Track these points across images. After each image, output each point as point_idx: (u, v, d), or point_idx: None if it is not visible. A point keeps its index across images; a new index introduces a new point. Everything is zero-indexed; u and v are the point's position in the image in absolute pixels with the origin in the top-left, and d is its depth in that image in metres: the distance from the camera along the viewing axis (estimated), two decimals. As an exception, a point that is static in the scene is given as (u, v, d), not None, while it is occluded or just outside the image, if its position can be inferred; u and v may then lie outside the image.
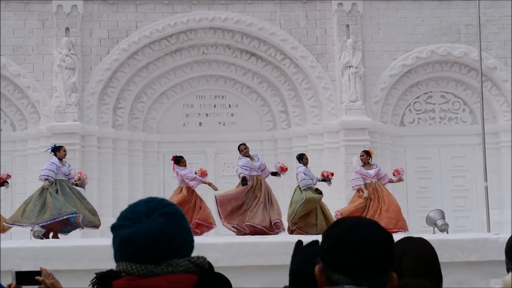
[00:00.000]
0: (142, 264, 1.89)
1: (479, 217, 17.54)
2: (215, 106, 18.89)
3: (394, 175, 13.52)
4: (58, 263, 6.78)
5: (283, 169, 13.11)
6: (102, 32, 17.98)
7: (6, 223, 12.09)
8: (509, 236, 2.87)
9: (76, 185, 12.44)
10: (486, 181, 13.69)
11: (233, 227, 12.26)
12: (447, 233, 14.44)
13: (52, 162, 12.17)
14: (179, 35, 18.31)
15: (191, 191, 12.81)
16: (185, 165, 13.00)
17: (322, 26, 18.34)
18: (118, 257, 1.95)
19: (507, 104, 18.41)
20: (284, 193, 17.73)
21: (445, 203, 17.85)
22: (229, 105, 18.91)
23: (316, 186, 13.14)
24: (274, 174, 13.12)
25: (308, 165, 13.37)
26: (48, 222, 11.74)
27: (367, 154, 13.37)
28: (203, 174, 13.00)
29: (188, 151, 17.51)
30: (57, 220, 11.65)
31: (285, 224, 12.90)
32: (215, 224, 12.81)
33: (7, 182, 12.87)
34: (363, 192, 12.89)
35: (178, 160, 12.99)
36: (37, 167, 17.24)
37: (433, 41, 18.44)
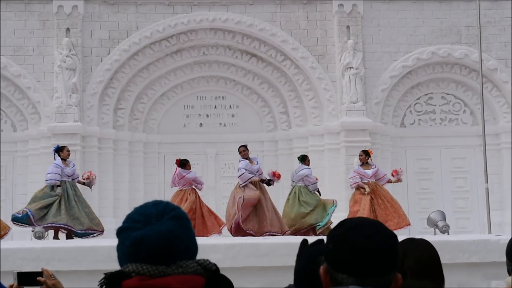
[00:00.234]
0: (153, 265, 1.93)
1: (480, 218, 17.53)
2: (215, 107, 18.89)
3: (392, 175, 13.53)
4: (60, 264, 6.78)
5: (275, 175, 12.87)
6: (103, 32, 17.98)
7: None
8: (510, 237, 2.87)
9: (83, 183, 12.46)
10: (487, 182, 13.68)
11: (248, 232, 12.14)
12: (448, 234, 14.44)
13: (56, 164, 12.16)
14: (179, 36, 18.31)
15: (196, 194, 12.86)
16: (189, 169, 13.01)
17: (323, 27, 18.34)
18: (125, 259, 1.97)
19: (507, 105, 18.41)
20: (283, 194, 17.74)
21: (446, 205, 17.85)
22: (230, 106, 18.91)
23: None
24: (268, 182, 12.78)
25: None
26: (48, 225, 11.84)
27: (365, 153, 13.36)
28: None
29: (189, 152, 17.54)
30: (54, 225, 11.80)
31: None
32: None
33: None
34: (364, 189, 12.89)
35: (184, 164, 12.98)
36: (37, 167, 17.27)
37: (433, 42, 18.44)
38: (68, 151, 12.47)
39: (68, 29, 17.67)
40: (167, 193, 18.12)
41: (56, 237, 12.07)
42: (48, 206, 11.87)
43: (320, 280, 1.91)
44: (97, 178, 12.84)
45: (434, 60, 18.43)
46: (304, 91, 18.36)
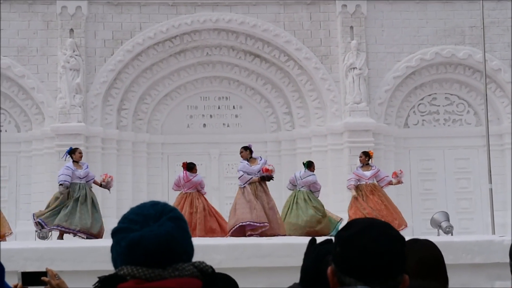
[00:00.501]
0: (149, 267, 1.88)
1: (484, 219, 17.51)
2: (219, 108, 18.90)
3: (393, 177, 13.47)
4: (63, 264, 6.79)
5: (264, 171, 12.50)
6: (106, 33, 18.00)
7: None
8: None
9: (100, 185, 12.48)
10: (491, 183, 13.66)
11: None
12: (452, 235, 14.43)
13: (67, 166, 12.18)
14: (183, 36, 18.32)
15: (203, 197, 12.89)
16: (196, 172, 13.04)
17: (326, 28, 18.34)
18: (120, 261, 1.92)
19: (511, 105, 18.38)
20: (287, 195, 17.73)
21: (450, 205, 17.83)
22: (233, 106, 18.91)
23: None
24: (267, 179, 12.58)
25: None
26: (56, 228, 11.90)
27: (365, 155, 13.28)
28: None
29: (192, 152, 17.55)
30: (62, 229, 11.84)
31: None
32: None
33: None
34: (354, 192, 12.95)
35: (191, 168, 12.99)
36: (41, 168, 17.30)
37: (437, 42, 18.42)
38: (80, 153, 12.47)
39: (71, 30, 17.69)
40: (170, 194, 18.13)
41: (61, 237, 12.08)
42: (58, 207, 11.87)
43: (327, 280, 1.90)
44: (113, 180, 12.77)
45: (438, 60, 18.42)
46: (307, 92, 18.36)
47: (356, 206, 12.96)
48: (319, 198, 13.28)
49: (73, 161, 12.29)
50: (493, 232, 13.12)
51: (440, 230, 15.13)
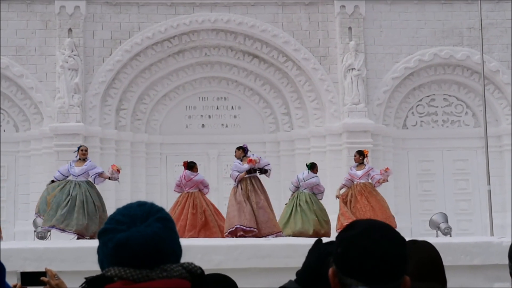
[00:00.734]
0: (137, 268, 1.86)
1: (482, 220, 17.52)
2: (217, 108, 18.90)
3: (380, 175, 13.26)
4: (62, 264, 6.78)
5: (248, 162, 12.34)
6: (105, 33, 18.00)
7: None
8: (513, 239, 2.88)
9: (110, 178, 12.44)
10: (489, 184, 13.66)
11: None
12: (450, 236, 14.43)
13: (69, 163, 12.30)
14: (181, 37, 18.32)
15: (204, 197, 12.87)
16: (197, 171, 13.02)
17: (325, 28, 18.34)
18: (107, 262, 1.90)
19: (509, 107, 18.40)
20: (286, 196, 17.74)
21: (448, 206, 17.84)
22: (232, 107, 18.92)
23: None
24: (253, 171, 12.40)
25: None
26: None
27: (360, 154, 13.15)
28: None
29: (191, 152, 17.55)
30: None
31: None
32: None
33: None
34: (337, 192, 12.95)
35: (192, 166, 12.98)
36: (40, 168, 17.29)
37: (435, 44, 18.44)
38: (82, 150, 12.40)
39: (70, 30, 17.69)
40: (169, 194, 18.12)
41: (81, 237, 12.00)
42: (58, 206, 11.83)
43: (327, 280, 1.90)
44: (117, 171, 12.46)
45: (436, 61, 18.43)
46: (306, 92, 18.37)
47: (342, 210, 12.87)
48: (321, 200, 13.27)
49: (79, 159, 12.30)
50: (492, 234, 13.13)
51: (439, 232, 15.14)
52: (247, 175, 12.32)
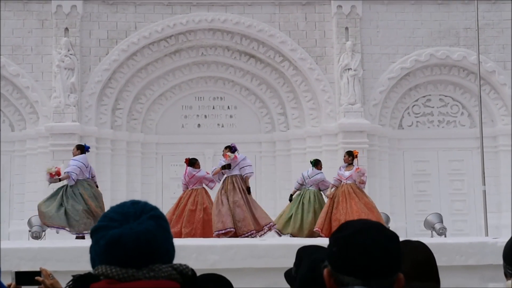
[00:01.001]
0: (123, 267, 1.83)
1: (477, 221, 17.55)
2: (213, 108, 18.90)
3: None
4: (57, 264, 6.78)
5: (224, 157, 12.46)
6: (101, 32, 17.98)
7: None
8: (507, 240, 2.89)
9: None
10: (484, 184, 13.69)
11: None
12: (445, 236, 14.45)
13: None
14: (178, 36, 18.31)
15: (207, 194, 12.87)
16: (199, 167, 13.00)
17: (321, 28, 18.35)
18: (99, 261, 1.87)
19: (505, 107, 18.43)
20: (281, 195, 17.75)
21: (443, 207, 17.87)
22: (228, 106, 18.91)
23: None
24: (227, 167, 12.36)
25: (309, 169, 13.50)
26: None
27: (349, 154, 13.03)
28: None
29: (187, 152, 17.51)
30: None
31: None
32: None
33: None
34: (328, 191, 12.86)
35: (193, 163, 12.97)
36: (35, 167, 17.26)
37: (432, 44, 18.46)
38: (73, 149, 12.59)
39: (66, 29, 17.67)
40: (164, 194, 18.12)
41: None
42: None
43: (322, 283, 1.91)
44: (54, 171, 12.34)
45: (432, 62, 18.45)
46: (302, 92, 18.37)
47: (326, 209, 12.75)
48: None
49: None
50: (487, 234, 13.16)
51: (434, 232, 15.17)
52: (222, 171, 12.37)
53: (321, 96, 18.08)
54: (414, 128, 18.88)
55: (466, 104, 18.93)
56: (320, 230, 12.36)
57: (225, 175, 12.42)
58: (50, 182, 12.20)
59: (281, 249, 7.10)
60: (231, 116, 18.88)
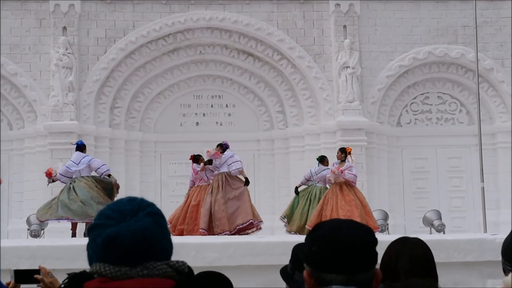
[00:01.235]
0: (118, 266, 1.81)
1: (476, 217, 17.57)
2: (212, 106, 18.90)
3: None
4: (56, 262, 6.77)
5: (207, 154, 12.57)
6: (99, 31, 17.97)
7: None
8: (505, 236, 2.89)
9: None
10: (483, 181, 13.71)
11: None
12: (444, 233, 14.48)
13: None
14: (176, 35, 18.31)
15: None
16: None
17: (319, 27, 18.35)
18: (96, 259, 1.85)
19: (503, 105, 18.45)
20: (280, 193, 17.77)
21: (442, 204, 17.89)
22: (226, 105, 18.91)
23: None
24: (208, 162, 12.49)
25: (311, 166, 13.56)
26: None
27: (342, 151, 12.99)
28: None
29: (185, 151, 17.50)
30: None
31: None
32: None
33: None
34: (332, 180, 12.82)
35: (197, 159, 12.99)
36: (33, 166, 17.26)
37: (430, 42, 18.47)
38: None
39: (64, 28, 17.66)
40: (163, 192, 18.13)
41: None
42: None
43: None
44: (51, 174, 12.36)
45: (431, 59, 18.46)
46: (300, 90, 18.38)
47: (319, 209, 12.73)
48: None
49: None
50: (485, 231, 13.19)
51: (433, 229, 15.19)
52: (210, 168, 12.40)
53: (319, 94, 18.08)
54: (413, 126, 18.89)
55: (464, 102, 18.95)
56: (311, 228, 12.35)
57: (215, 172, 12.48)
58: (48, 182, 12.24)
59: (280, 246, 7.10)
60: (229, 114, 18.88)
